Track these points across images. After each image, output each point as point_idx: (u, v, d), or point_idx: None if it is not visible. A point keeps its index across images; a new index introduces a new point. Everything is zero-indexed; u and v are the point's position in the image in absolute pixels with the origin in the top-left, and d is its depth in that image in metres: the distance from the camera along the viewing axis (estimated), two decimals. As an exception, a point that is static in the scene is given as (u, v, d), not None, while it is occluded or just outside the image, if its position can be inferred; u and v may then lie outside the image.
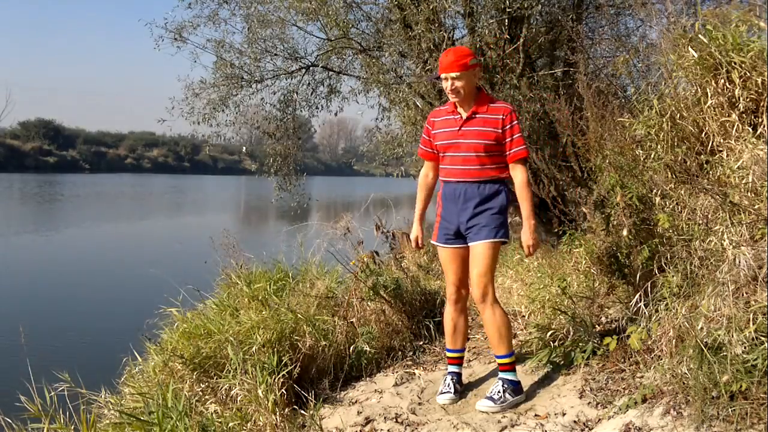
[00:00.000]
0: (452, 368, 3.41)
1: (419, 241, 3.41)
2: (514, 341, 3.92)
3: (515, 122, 3.12)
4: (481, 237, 3.13)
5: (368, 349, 3.95)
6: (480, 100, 3.15)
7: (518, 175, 3.15)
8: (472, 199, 3.15)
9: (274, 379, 3.33)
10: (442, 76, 3.10)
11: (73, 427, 3.05)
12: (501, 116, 3.11)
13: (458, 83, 3.06)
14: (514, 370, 3.19)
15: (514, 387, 3.15)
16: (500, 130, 3.11)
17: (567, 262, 4.70)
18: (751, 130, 2.94)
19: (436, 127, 3.26)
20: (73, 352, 7.46)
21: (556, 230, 5.33)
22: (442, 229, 3.27)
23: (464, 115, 3.16)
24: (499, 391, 3.12)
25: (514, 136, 3.11)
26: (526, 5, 6.04)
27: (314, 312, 4.09)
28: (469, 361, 3.85)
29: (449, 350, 3.42)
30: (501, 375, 3.19)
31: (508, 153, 3.13)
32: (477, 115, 3.14)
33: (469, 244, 3.18)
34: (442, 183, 3.29)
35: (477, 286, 3.12)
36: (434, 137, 3.27)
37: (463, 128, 3.15)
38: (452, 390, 3.30)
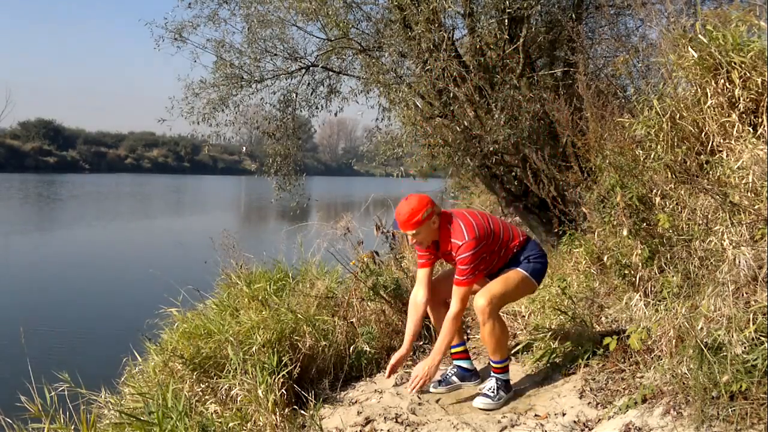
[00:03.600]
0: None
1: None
2: (514, 341, 3.93)
3: (464, 255, 3.10)
4: (508, 267, 3.24)
5: (368, 349, 3.95)
6: (444, 237, 3.21)
7: (451, 304, 3.19)
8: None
9: (274, 379, 3.33)
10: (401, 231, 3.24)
11: (73, 427, 3.04)
12: (453, 252, 3.16)
13: (417, 237, 3.19)
14: (507, 371, 3.28)
15: (506, 385, 3.26)
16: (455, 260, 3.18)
17: (567, 262, 4.70)
18: (751, 130, 2.94)
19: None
20: (73, 352, 7.46)
21: (556, 230, 5.33)
22: None
23: (438, 253, 3.31)
24: (492, 388, 3.21)
25: (460, 266, 3.14)
26: (525, 5, 6.04)
27: (314, 312, 4.09)
28: (469, 361, 3.85)
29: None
30: (495, 375, 3.26)
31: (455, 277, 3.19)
32: (448, 252, 3.23)
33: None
34: None
35: (482, 295, 3.11)
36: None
37: (444, 260, 3.37)
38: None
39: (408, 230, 3.16)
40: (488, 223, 3.20)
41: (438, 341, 3.23)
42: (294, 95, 7.68)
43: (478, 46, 6.42)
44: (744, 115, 2.98)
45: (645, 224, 3.38)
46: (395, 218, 3.23)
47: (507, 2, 6.02)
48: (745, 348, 2.32)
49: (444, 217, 3.22)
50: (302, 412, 3.37)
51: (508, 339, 3.29)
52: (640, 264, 3.34)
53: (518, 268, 3.21)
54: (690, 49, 3.11)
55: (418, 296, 3.35)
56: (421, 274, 3.37)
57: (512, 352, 3.77)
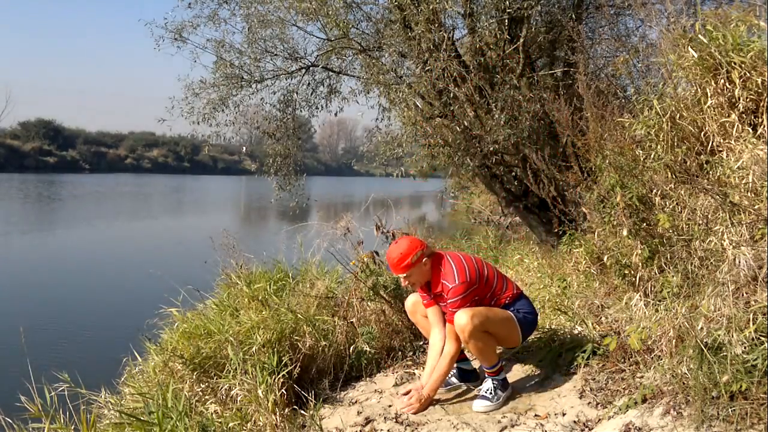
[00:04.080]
0: None
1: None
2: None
3: (453, 299, 3.13)
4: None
5: (368, 349, 3.95)
6: (435, 278, 3.24)
7: (446, 343, 3.22)
8: None
9: (274, 379, 3.34)
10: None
11: (73, 427, 3.04)
12: (443, 293, 3.20)
13: (410, 279, 3.26)
14: (501, 371, 3.28)
15: (503, 383, 3.25)
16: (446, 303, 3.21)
17: (567, 262, 4.70)
18: (751, 130, 2.94)
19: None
20: (73, 352, 7.45)
21: (556, 230, 5.33)
22: None
23: (431, 294, 3.34)
24: (489, 389, 3.20)
25: (451, 309, 3.16)
26: (526, 5, 6.04)
27: (314, 312, 4.09)
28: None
29: None
30: (489, 377, 3.26)
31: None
32: (439, 293, 3.27)
33: None
34: None
35: (464, 312, 3.07)
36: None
37: (437, 301, 3.35)
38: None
39: (399, 273, 3.24)
40: (482, 269, 3.21)
41: (433, 378, 3.24)
42: (294, 95, 7.67)
43: (478, 46, 6.42)
44: (744, 115, 2.98)
45: (645, 224, 3.38)
46: (387, 259, 3.30)
47: (507, 2, 6.02)
48: (745, 348, 2.32)
49: (436, 258, 3.24)
50: (302, 412, 3.37)
51: (495, 346, 3.26)
52: (640, 264, 3.34)
53: (506, 309, 3.21)
54: (690, 49, 3.11)
55: (435, 338, 3.37)
56: (432, 314, 3.38)
57: (512, 351, 3.77)
